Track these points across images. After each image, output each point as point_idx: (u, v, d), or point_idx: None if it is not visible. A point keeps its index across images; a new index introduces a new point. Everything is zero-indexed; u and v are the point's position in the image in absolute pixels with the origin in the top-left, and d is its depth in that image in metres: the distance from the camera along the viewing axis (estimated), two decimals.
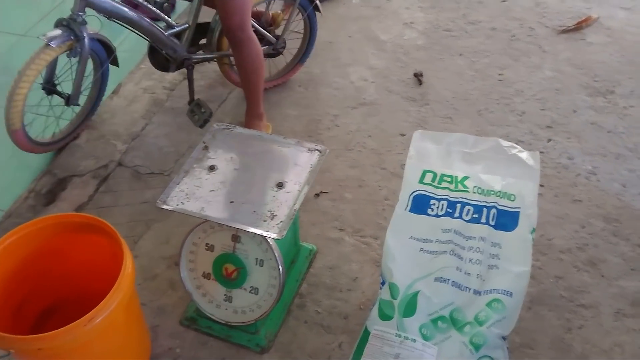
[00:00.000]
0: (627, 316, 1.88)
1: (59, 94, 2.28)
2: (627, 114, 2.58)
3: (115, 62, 2.38)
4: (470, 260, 1.71)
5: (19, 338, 1.35)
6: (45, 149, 2.36)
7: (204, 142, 1.81)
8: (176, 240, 2.08)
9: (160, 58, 2.34)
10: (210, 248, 1.74)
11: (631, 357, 1.78)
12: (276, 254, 1.66)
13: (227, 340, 1.81)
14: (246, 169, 1.73)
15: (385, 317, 1.67)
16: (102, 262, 1.72)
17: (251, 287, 1.73)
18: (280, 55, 2.64)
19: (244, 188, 1.68)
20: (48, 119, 2.36)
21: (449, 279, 1.68)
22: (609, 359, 1.77)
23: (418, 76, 2.76)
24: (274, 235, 1.54)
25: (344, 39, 3.02)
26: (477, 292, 1.68)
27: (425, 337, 1.62)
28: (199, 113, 2.38)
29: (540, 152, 1.88)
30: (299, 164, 1.74)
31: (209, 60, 2.48)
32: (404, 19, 3.15)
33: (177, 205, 1.63)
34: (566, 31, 3.03)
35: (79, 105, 2.33)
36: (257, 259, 1.70)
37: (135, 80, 2.55)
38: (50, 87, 2.26)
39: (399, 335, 1.62)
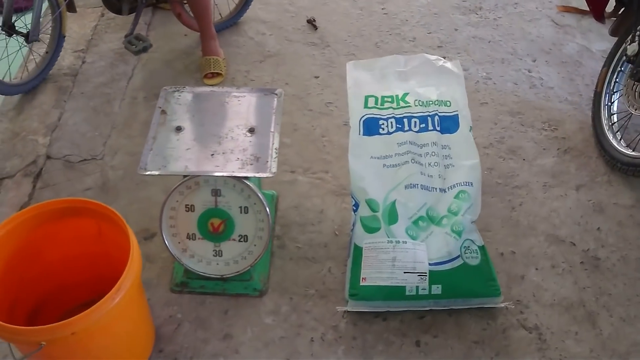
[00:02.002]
0: (552, 187, 2.19)
1: (19, 32, 2.31)
2: (499, 24, 2.92)
3: (72, 8, 2.45)
4: (429, 164, 1.90)
5: (53, 326, 1.31)
6: (14, 89, 2.39)
7: (160, 107, 1.79)
8: (135, 218, 2.05)
9: None
10: (190, 208, 1.76)
11: (565, 217, 2.09)
12: (260, 197, 1.72)
13: (224, 293, 1.85)
14: (212, 123, 1.76)
15: (371, 230, 1.82)
16: (82, 248, 1.68)
17: (239, 235, 1.78)
18: None
19: (218, 140, 1.71)
20: (14, 60, 2.42)
21: (417, 184, 1.86)
22: (550, 223, 2.07)
23: (311, 22, 2.88)
24: (267, 175, 1.61)
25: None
26: (442, 190, 1.88)
27: (412, 238, 1.79)
28: (136, 43, 2.43)
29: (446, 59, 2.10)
30: (261, 109, 1.80)
31: None
32: None
33: (160, 168, 1.63)
34: None
35: (39, 40, 2.36)
36: (241, 207, 1.75)
37: None
38: (9, 27, 2.27)
39: (391, 241, 1.78)
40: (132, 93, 2.50)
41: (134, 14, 2.51)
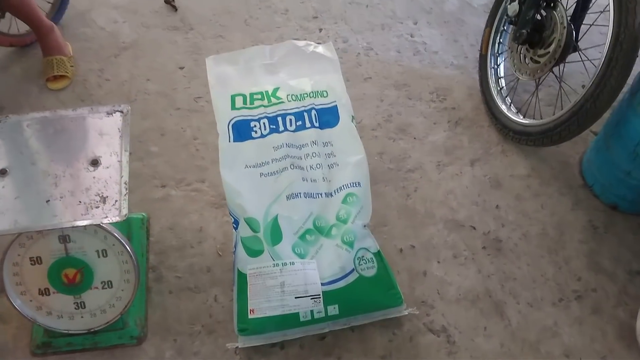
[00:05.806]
0: (446, 165, 2.06)
1: None
2: None
3: None
4: (311, 167, 1.71)
5: None
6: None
7: None
8: None
9: None
10: (36, 261, 1.48)
11: (463, 197, 1.97)
12: (118, 237, 1.47)
13: (96, 347, 1.60)
14: (45, 159, 1.46)
15: (254, 253, 1.61)
16: None
17: (102, 282, 1.52)
18: None
19: (54, 181, 1.42)
20: None
21: (299, 192, 1.67)
22: (448, 207, 1.94)
23: (170, 2, 2.55)
24: (117, 219, 1.35)
25: None
26: (328, 195, 1.70)
27: (301, 256, 1.61)
28: None
29: (318, 43, 1.89)
30: (105, 132, 1.51)
31: None
32: None
33: None
34: None
35: None
36: (97, 251, 1.49)
37: None
38: None
39: (277, 264, 1.58)
40: None
41: None
